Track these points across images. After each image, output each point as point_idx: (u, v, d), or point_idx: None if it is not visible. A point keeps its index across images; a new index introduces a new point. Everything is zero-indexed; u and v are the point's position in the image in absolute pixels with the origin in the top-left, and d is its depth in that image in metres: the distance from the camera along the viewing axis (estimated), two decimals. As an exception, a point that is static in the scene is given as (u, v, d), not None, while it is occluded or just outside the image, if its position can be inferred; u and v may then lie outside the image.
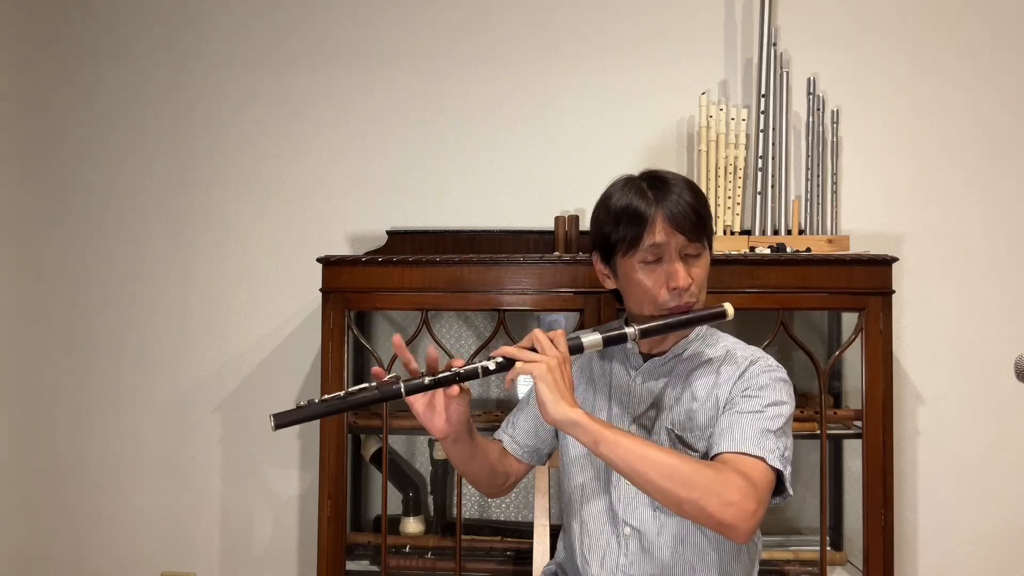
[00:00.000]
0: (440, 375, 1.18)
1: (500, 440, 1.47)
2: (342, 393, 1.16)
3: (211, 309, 2.24)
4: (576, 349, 1.22)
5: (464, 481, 1.85)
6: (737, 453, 1.18)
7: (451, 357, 1.27)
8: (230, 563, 2.22)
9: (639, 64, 2.15)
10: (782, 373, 1.29)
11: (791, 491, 1.22)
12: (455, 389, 1.20)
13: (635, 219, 1.26)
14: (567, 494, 1.40)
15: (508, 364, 1.19)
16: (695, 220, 1.26)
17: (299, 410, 1.15)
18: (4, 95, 2.30)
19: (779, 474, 1.19)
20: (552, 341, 1.19)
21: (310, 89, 2.23)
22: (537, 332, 1.20)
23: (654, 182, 1.29)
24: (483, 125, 2.18)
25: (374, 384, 1.17)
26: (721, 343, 1.35)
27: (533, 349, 1.19)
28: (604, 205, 1.32)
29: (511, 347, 1.20)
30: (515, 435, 1.46)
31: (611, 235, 1.29)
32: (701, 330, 1.36)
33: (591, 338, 1.22)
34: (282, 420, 1.14)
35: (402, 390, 1.17)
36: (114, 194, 2.27)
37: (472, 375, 1.18)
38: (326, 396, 1.17)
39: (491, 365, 1.18)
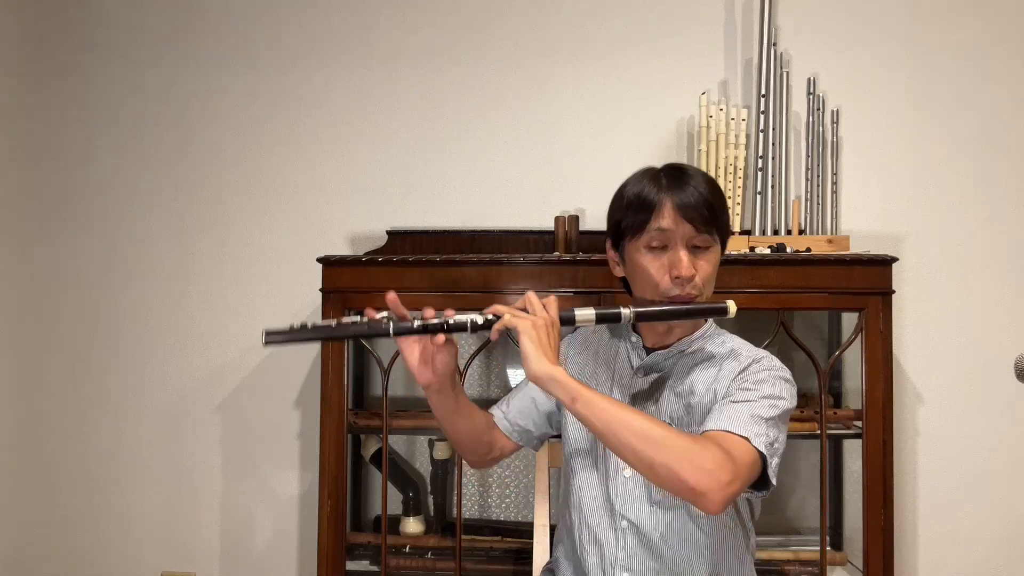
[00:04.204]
0: (430, 322, 1.21)
1: (492, 414, 1.48)
2: (334, 323, 1.19)
3: (211, 309, 2.23)
4: (568, 320, 1.23)
5: (464, 482, 1.85)
6: (722, 431, 1.17)
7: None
8: (230, 563, 2.22)
9: (639, 64, 2.15)
10: (785, 373, 1.28)
11: (774, 481, 1.20)
12: (441, 338, 1.22)
13: (644, 204, 1.27)
14: (566, 486, 1.41)
15: (498, 321, 1.21)
16: (706, 212, 1.26)
17: (292, 332, 1.17)
18: (3, 95, 2.29)
19: (764, 464, 1.17)
20: (544, 305, 1.21)
21: (310, 89, 2.23)
22: (530, 294, 1.22)
23: (672, 172, 1.30)
24: (483, 125, 2.18)
25: (365, 320, 1.20)
26: (728, 343, 1.35)
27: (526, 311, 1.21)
28: (619, 193, 1.34)
29: (503, 306, 1.22)
30: (507, 412, 1.47)
31: (621, 221, 1.31)
32: (708, 328, 1.36)
33: (585, 312, 1.24)
34: (273, 337, 1.16)
35: (391, 329, 1.20)
36: (114, 194, 2.27)
37: (461, 327, 1.20)
38: (318, 323, 1.19)
39: (480, 319, 1.20)
